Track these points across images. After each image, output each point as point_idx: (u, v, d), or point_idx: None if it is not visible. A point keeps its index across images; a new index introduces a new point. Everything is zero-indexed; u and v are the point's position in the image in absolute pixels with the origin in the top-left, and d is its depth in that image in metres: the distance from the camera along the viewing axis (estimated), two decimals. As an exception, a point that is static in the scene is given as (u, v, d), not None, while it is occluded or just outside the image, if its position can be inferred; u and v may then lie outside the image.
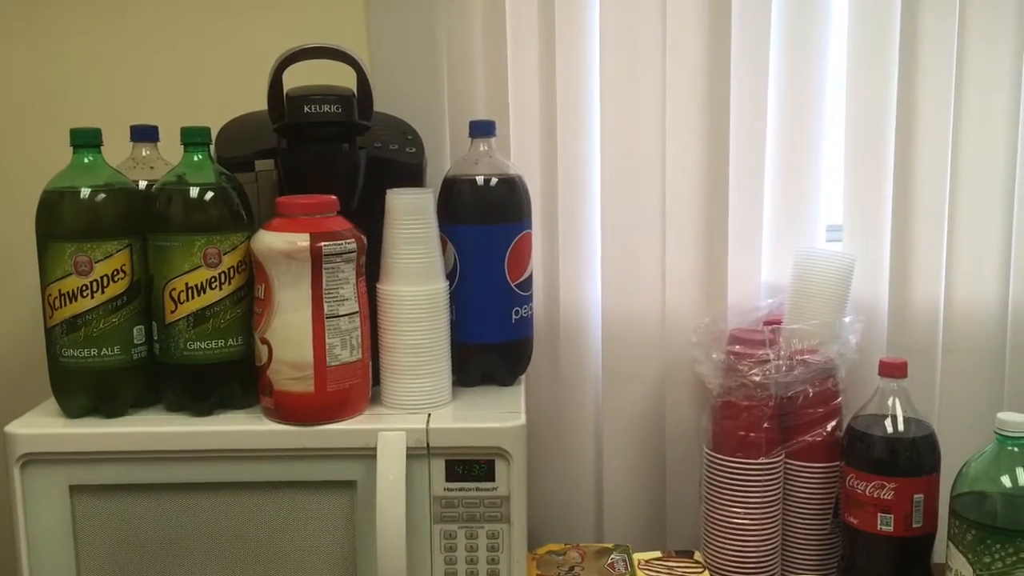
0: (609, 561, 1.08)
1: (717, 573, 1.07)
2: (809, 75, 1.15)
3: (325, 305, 0.88)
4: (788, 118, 1.16)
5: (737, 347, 1.08)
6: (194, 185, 0.89)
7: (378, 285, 0.93)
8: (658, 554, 1.11)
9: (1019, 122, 1.13)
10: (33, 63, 1.16)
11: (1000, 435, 0.89)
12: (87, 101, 1.16)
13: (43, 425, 0.91)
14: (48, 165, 0.91)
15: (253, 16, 1.16)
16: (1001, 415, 0.89)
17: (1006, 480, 0.88)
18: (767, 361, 1.05)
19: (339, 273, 0.88)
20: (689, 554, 1.11)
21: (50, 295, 0.89)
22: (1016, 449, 0.88)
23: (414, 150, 1.04)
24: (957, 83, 1.13)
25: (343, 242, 0.88)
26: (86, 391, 0.91)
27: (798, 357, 1.06)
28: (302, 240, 0.86)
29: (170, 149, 0.98)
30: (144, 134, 1.00)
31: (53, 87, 1.17)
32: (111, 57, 1.16)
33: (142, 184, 0.96)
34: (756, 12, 1.12)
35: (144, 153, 1.00)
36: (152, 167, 0.99)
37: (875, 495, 0.99)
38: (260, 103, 0.96)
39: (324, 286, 0.87)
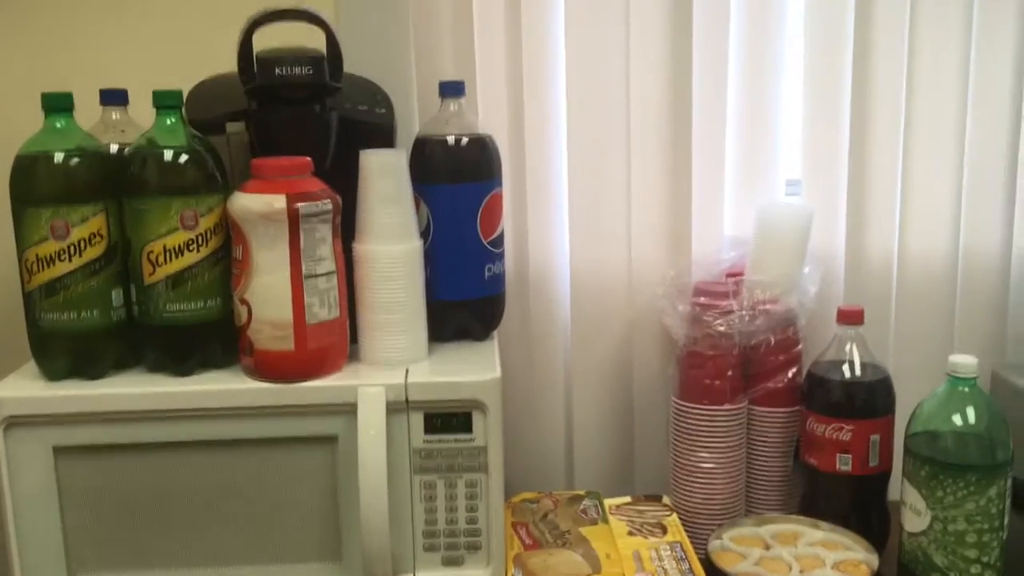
0: (581, 507, 1.12)
1: (685, 515, 1.11)
2: (768, 34, 1.17)
3: (303, 265, 0.89)
4: (748, 77, 1.18)
5: (702, 299, 1.11)
6: (168, 148, 0.90)
7: (354, 244, 0.95)
8: (628, 499, 1.15)
9: (969, 78, 1.17)
10: (1, 27, 1.15)
11: (952, 376, 0.93)
12: (57, 65, 1.15)
13: (25, 388, 0.92)
14: (17, 131, 0.91)
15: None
16: (953, 357, 0.94)
17: (957, 419, 0.93)
18: (731, 312, 1.08)
19: (316, 233, 0.90)
20: (658, 498, 1.15)
21: (27, 260, 0.90)
22: (967, 389, 0.93)
23: (384, 110, 1.06)
24: (911, 41, 1.16)
25: (319, 203, 0.89)
26: (66, 354, 0.92)
27: (760, 307, 1.10)
28: (279, 201, 0.88)
29: (140, 112, 0.99)
30: (114, 97, 1.00)
31: (22, 51, 1.15)
32: (79, 20, 1.15)
33: (114, 148, 0.96)
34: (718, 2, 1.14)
35: (114, 117, 1.00)
36: (123, 131, 0.99)
37: (834, 437, 1.04)
38: (229, 65, 0.97)
39: (302, 246, 0.89)
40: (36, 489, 0.92)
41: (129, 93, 1.02)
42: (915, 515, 0.94)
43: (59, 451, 0.91)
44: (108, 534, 0.94)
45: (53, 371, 0.93)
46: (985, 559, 0.92)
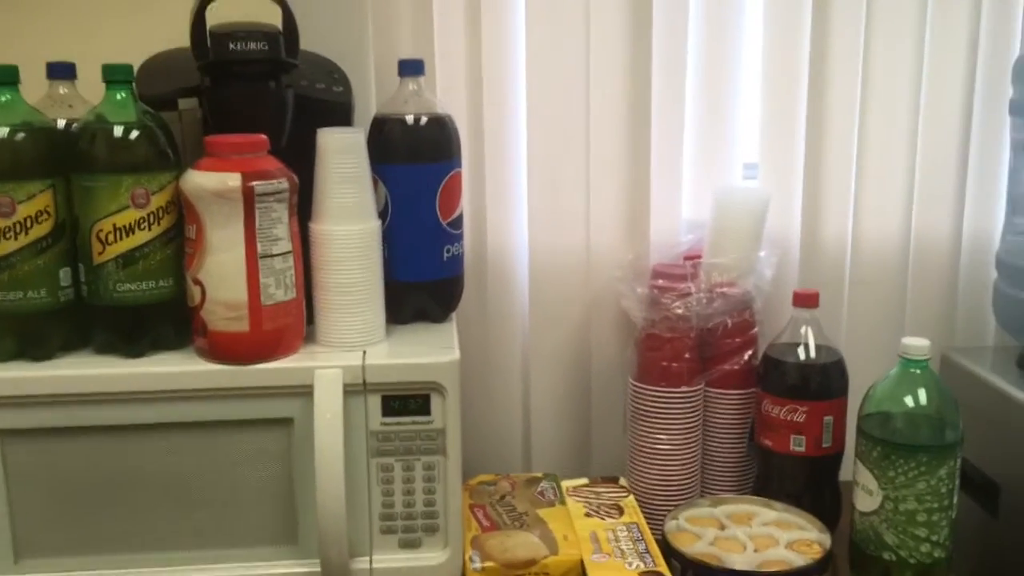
0: (539, 489, 1.12)
1: (641, 496, 1.12)
2: (726, 21, 1.18)
3: (258, 245, 0.88)
4: (706, 63, 1.19)
5: (660, 281, 1.12)
6: (118, 123, 0.88)
7: (310, 224, 0.94)
8: (585, 481, 1.15)
9: (923, 68, 1.19)
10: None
11: (904, 359, 0.95)
12: (1, 35, 1.11)
13: (-33, 370, 0.89)
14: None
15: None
16: (905, 340, 0.95)
17: (908, 400, 0.95)
18: (688, 294, 1.09)
19: (272, 213, 0.88)
20: (615, 480, 1.15)
21: (-30, 238, 0.87)
22: (918, 371, 0.94)
23: (341, 88, 1.04)
24: (867, 29, 1.17)
25: (275, 181, 0.88)
26: (12, 335, 0.89)
27: (717, 290, 1.10)
28: (233, 180, 0.86)
29: (88, 87, 0.96)
30: (61, 71, 0.97)
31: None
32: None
33: (61, 123, 0.94)
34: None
35: (62, 91, 0.97)
36: (71, 105, 0.96)
37: (788, 418, 1.05)
38: (181, 40, 0.94)
39: (257, 225, 0.87)
40: (-19, 473, 0.89)
41: (77, 67, 0.99)
42: (867, 495, 0.96)
43: (5, 434, 0.89)
44: (56, 518, 0.92)
45: (-1, 352, 0.90)
46: (935, 538, 0.94)
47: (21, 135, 0.87)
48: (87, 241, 0.89)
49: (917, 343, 0.94)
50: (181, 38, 0.94)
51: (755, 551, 0.98)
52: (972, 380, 1.12)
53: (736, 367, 1.11)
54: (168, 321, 0.92)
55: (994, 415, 1.05)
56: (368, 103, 1.10)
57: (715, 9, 1.17)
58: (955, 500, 0.95)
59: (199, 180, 0.87)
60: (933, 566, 0.95)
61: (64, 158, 0.89)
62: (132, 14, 1.11)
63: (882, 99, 1.20)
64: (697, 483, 1.14)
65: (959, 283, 1.25)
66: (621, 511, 1.07)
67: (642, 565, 0.96)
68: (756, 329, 1.13)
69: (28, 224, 0.87)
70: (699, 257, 1.15)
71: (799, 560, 0.95)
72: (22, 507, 0.91)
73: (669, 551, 0.98)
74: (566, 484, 1.14)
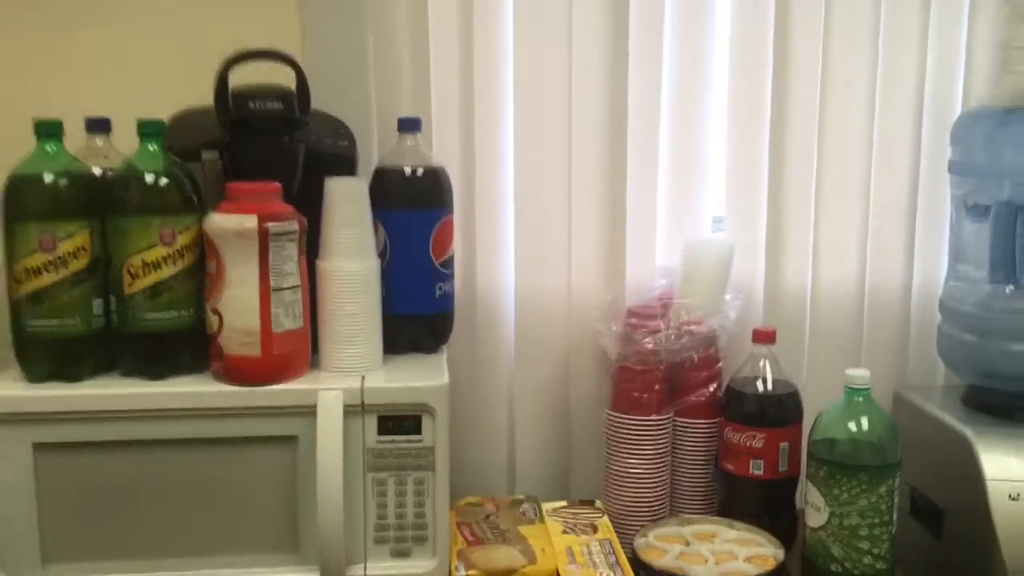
0: (521, 510, 1.22)
1: (615, 517, 1.21)
2: (695, 89, 1.30)
3: (271, 279, 0.99)
4: (678, 126, 1.30)
5: (633, 320, 1.23)
6: (150, 172, 1.00)
7: (317, 262, 1.05)
8: (564, 503, 1.25)
9: (873, 134, 1.31)
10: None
11: (848, 388, 1.06)
12: (45, 94, 1.22)
13: (8, 388, 1.00)
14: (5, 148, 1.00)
15: (193, 19, 1.25)
16: (849, 371, 1.06)
17: (852, 425, 1.05)
18: (658, 331, 1.20)
19: (283, 251, 1.00)
20: (591, 503, 1.25)
21: (16, 271, 0.98)
22: (861, 399, 1.05)
23: (347, 143, 1.16)
24: (821, 98, 1.30)
25: (286, 223, 0.99)
26: (49, 357, 1.00)
27: (685, 328, 1.21)
28: (250, 221, 0.97)
29: (121, 140, 1.08)
30: (98, 126, 1.09)
31: (14, 76, 1.23)
32: (69, 49, 1.23)
33: (97, 171, 1.05)
34: (651, 35, 1.27)
35: (98, 143, 1.09)
36: (106, 156, 1.08)
37: (748, 444, 1.15)
38: (204, 98, 1.06)
39: (270, 262, 0.99)
40: (16, 482, 0.99)
41: (112, 122, 1.11)
42: (816, 511, 1.06)
43: (38, 447, 0.99)
44: (81, 525, 1.01)
45: (35, 373, 1.01)
46: (876, 551, 1.04)
47: (64, 181, 0.99)
48: (119, 274, 1.00)
49: (859, 373, 1.05)
50: (204, 97, 1.06)
51: (716, 564, 1.07)
52: (920, 415, 1.23)
53: (702, 399, 1.22)
54: (187, 348, 1.03)
55: (939, 446, 1.16)
56: (371, 155, 1.22)
57: (685, 80, 1.29)
58: (895, 517, 1.05)
59: (221, 221, 0.98)
60: (876, 577, 1.04)
61: (100, 201, 1.00)
62: (160, 75, 1.23)
63: (837, 161, 1.32)
64: (666, 505, 1.23)
65: (910, 326, 1.35)
66: (596, 529, 1.17)
67: (611, 575, 1.05)
68: (720, 364, 1.24)
69: (67, 259, 0.98)
70: (672, 300, 1.26)
71: (754, 571, 1.05)
72: (50, 514, 1.01)
73: (638, 564, 1.08)
74: (546, 506, 1.23)
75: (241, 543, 1.03)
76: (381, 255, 1.09)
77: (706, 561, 1.08)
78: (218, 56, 1.07)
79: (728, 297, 1.26)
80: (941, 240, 1.33)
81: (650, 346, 1.19)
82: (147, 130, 1.01)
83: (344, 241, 1.04)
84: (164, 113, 1.09)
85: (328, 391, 1.00)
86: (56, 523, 1.01)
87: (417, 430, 1.03)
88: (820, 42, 1.29)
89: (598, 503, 1.25)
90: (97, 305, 1.01)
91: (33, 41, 1.23)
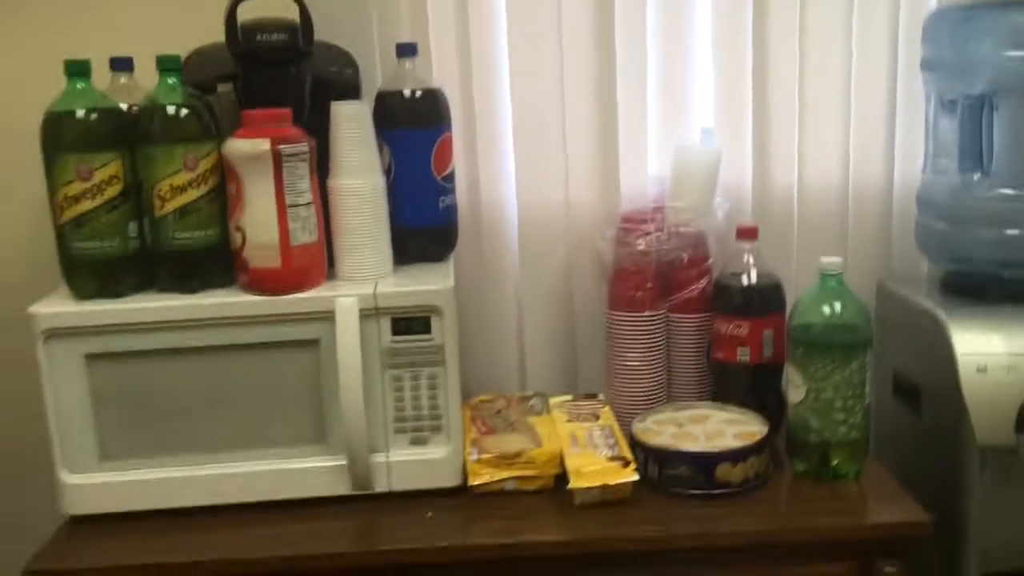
0: (530, 404, 1.32)
1: (617, 407, 1.31)
2: (682, 4, 1.36)
3: (287, 196, 1.09)
4: (665, 42, 1.37)
5: (627, 224, 1.31)
6: (171, 104, 1.09)
7: (328, 181, 1.15)
8: (569, 397, 1.35)
9: (851, 37, 1.37)
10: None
11: (823, 274, 1.14)
12: (73, 36, 1.32)
13: (59, 305, 1.11)
14: (30, 93, 1.10)
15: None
16: (823, 259, 1.14)
17: (826, 309, 1.14)
18: (649, 233, 1.29)
19: (296, 170, 1.09)
20: (594, 395, 1.35)
21: (58, 199, 1.09)
22: (833, 284, 1.14)
23: (351, 71, 1.25)
24: (801, 8, 1.35)
25: (297, 145, 1.09)
26: (92, 277, 1.11)
27: (675, 230, 1.30)
28: (264, 144, 1.07)
29: (143, 76, 1.17)
30: (122, 64, 1.19)
31: (45, 24, 1.33)
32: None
33: (123, 106, 1.15)
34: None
35: (122, 81, 1.19)
36: (130, 92, 1.17)
37: (734, 333, 1.24)
38: (216, 36, 1.15)
39: (285, 181, 1.08)
40: (71, 390, 1.11)
41: (133, 61, 1.20)
42: (796, 389, 1.15)
43: (90, 358, 1.11)
44: (130, 426, 1.13)
45: (82, 292, 1.12)
46: (851, 420, 1.13)
47: (95, 115, 1.08)
48: (149, 199, 1.10)
49: (832, 260, 1.14)
50: (215, 34, 1.15)
51: (707, 439, 1.17)
52: (900, 302, 1.32)
53: (694, 294, 1.31)
54: (216, 263, 1.13)
55: (917, 330, 1.24)
56: (374, 79, 1.30)
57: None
58: (867, 390, 1.14)
59: (237, 146, 1.08)
60: (852, 444, 1.14)
61: (128, 133, 1.10)
62: (174, 16, 1.32)
63: (818, 67, 1.38)
64: (664, 394, 1.33)
65: (892, 222, 1.43)
66: (598, 418, 1.27)
67: (610, 452, 1.16)
68: (710, 262, 1.32)
69: (103, 187, 1.08)
70: (663, 205, 1.34)
71: (739, 444, 1.15)
72: (103, 417, 1.12)
73: (635, 444, 1.18)
74: (553, 400, 1.34)
75: (274, 438, 1.15)
76: (387, 172, 1.18)
77: (697, 439, 1.18)
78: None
79: (717, 200, 1.34)
80: (920, 138, 1.39)
81: (641, 247, 1.28)
82: (166, 65, 1.10)
83: (351, 160, 1.13)
84: (180, 50, 1.18)
85: (345, 297, 1.10)
86: (109, 425, 1.13)
87: (427, 329, 1.13)
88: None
89: (601, 395, 1.35)
90: (132, 228, 1.12)
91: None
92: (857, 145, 1.41)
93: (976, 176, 1.22)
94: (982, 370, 1.13)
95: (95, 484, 1.13)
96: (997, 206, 1.21)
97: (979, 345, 1.15)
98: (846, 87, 1.39)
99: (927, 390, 1.23)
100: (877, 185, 1.42)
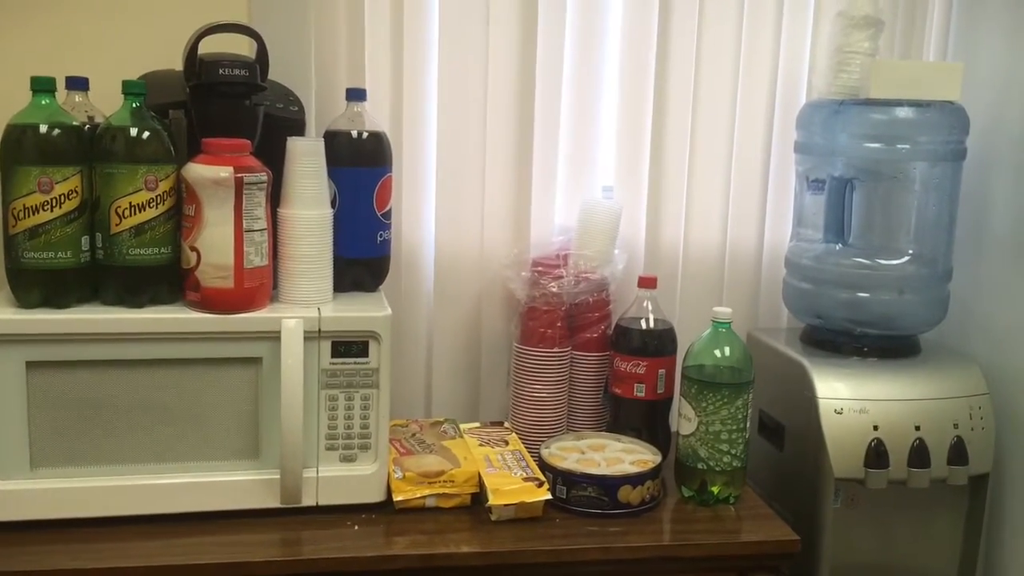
0: (442, 428, 1.42)
1: (522, 434, 1.43)
2: (590, 81, 1.53)
3: (244, 221, 1.15)
4: (578, 108, 1.53)
5: (539, 268, 1.45)
6: (135, 127, 1.14)
7: (279, 210, 1.22)
8: (477, 424, 1.46)
9: (735, 119, 1.57)
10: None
11: (714, 322, 1.31)
12: (32, 56, 1.33)
13: (3, 313, 1.12)
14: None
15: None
16: (715, 308, 1.32)
17: (717, 352, 1.31)
18: (561, 277, 1.42)
19: (254, 198, 1.16)
20: (500, 423, 1.47)
21: (15, 209, 1.11)
22: (723, 330, 1.31)
23: (296, 108, 1.33)
24: (694, 92, 1.55)
25: (258, 174, 1.16)
26: (41, 287, 1.13)
27: (582, 275, 1.44)
28: (226, 172, 1.14)
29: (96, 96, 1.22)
30: (78, 84, 1.23)
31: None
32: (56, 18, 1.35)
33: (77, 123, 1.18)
34: (555, 36, 1.49)
35: (77, 99, 1.22)
36: (86, 111, 1.21)
37: (633, 371, 1.39)
38: (164, 62, 1.21)
39: (244, 207, 1.15)
40: (9, 396, 1.12)
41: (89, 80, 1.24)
42: (687, 422, 1.31)
43: (30, 365, 1.13)
44: (66, 435, 1.15)
45: (28, 300, 1.14)
46: (734, 451, 1.30)
47: (57, 131, 1.12)
48: (106, 215, 1.14)
49: (723, 310, 1.31)
50: (166, 61, 1.21)
51: (607, 465, 1.31)
52: (768, 350, 1.51)
53: (595, 335, 1.45)
54: (165, 280, 1.18)
55: (783, 375, 1.43)
56: (311, 118, 1.39)
57: (583, 72, 1.52)
58: (747, 425, 1.31)
59: (201, 171, 1.14)
60: (733, 473, 1.31)
61: (87, 150, 1.14)
62: (123, 44, 1.36)
63: (706, 143, 1.58)
64: (564, 423, 1.47)
65: (761, 279, 1.63)
66: (507, 443, 1.39)
67: (523, 474, 1.28)
68: (611, 306, 1.47)
69: (62, 200, 1.12)
70: (568, 252, 1.49)
71: (636, 470, 1.29)
72: (39, 425, 1.14)
73: (544, 466, 1.30)
74: (463, 426, 1.45)
75: (211, 451, 1.20)
76: (332, 206, 1.26)
77: (598, 465, 1.31)
78: (171, 30, 1.22)
79: (616, 251, 1.50)
80: (788, 208, 1.61)
81: (555, 289, 1.41)
82: (132, 89, 1.15)
83: (305, 192, 1.21)
84: (131, 74, 1.23)
85: (290, 319, 1.18)
86: (44, 433, 1.15)
87: (364, 353, 1.21)
88: (694, 47, 1.54)
89: (506, 423, 1.47)
90: (85, 241, 1.15)
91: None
92: (735, 210, 1.61)
93: (838, 246, 1.43)
94: (839, 412, 1.33)
95: (24, 490, 1.14)
96: (853, 272, 1.43)
97: (837, 391, 1.35)
98: (728, 160, 1.59)
99: (790, 428, 1.42)
100: (749, 246, 1.62)
